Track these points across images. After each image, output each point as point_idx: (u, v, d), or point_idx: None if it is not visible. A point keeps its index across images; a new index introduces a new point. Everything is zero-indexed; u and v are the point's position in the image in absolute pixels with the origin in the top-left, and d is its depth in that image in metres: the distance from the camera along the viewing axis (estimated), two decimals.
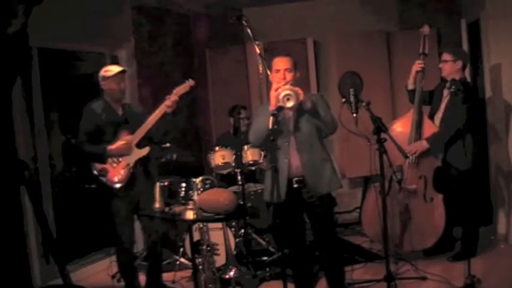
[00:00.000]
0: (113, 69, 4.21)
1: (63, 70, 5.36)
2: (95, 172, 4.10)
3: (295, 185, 3.57)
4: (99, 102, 4.21)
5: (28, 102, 4.63)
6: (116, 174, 4.07)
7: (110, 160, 4.09)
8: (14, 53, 2.96)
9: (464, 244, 4.66)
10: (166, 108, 4.09)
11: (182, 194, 4.68)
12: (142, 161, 4.18)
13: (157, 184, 3.86)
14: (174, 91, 4.17)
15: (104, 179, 4.08)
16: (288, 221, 3.67)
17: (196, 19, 6.86)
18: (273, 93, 3.38)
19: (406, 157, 4.50)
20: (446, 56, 4.68)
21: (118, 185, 4.07)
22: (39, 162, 4.79)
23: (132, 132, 4.14)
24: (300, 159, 3.55)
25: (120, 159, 4.10)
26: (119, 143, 4.09)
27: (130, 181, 4.10)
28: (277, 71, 3.56)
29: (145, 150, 4.16)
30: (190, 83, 4.24)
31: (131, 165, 4.11)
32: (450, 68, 4.65)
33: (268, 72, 3.79)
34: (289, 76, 3.53)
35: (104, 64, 5.61)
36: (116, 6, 5.54)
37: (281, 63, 3.57)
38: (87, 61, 5.63)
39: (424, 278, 4.29)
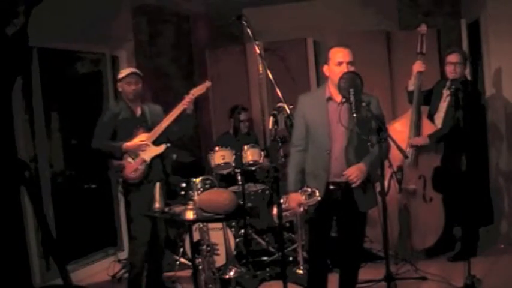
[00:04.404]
0: (125, 71, 4.31)
1: (63, 70, 5.37)
2: (114, 168, 4.19)
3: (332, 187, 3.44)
4: (117, 102, 4.41)
5: (28, 102, 4.64)
6: (133, 170, 4.14)
7: (127, 156, 4.15)
8: (14, 53, 2.95)
9: (464, 244, 4.66)
10: (183, 108, 4.15)
11: (182, 194, 4.69)
12: (159, 158, 4.23)
13: (157, 184, 3.87)
14: (192, 91, 4.21)
15: (121, 174, 4.16)
16: (320, 216, 3.51)
17: (196, 19, 6.86)
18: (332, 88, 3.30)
19: (406, 157, 4.49)
20: (456, 58, 4.66)
21: (134, 181, 4.14)
22: (39, 162, 4.79)
23: (150, 130, 4.19)
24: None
25: (137, 156, 4.15)
26: (136, 141, 4.15)
27: (146, 177, 4.16)
28: (340, 63, 3.30)
29: (161, 148, 4.21)
30: (207, 84, 4.28)
31: (148, 161, 4.16)
32: (461, 70, 4.65)
33: (325, 67, 3.43)
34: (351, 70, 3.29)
35: (104, 64, 5.64)
36: (115, 6, 5.54)
37: (342, 54, 3.32)
38: (88, 61, 5.63)
39: (424, 278, 4.30)
